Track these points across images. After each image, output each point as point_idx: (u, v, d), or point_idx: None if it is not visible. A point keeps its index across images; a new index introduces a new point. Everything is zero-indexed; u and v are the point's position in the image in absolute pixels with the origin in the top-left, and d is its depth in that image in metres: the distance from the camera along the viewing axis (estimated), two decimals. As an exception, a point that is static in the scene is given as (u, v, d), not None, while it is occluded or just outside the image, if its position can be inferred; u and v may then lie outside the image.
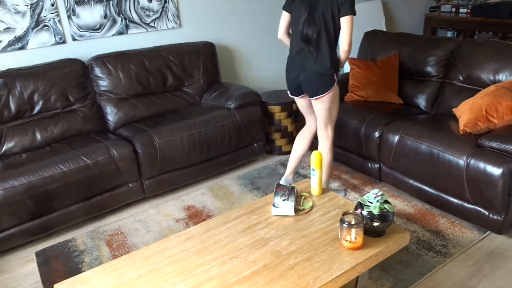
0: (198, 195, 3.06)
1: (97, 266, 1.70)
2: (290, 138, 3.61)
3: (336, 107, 2.61)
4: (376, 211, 1.72)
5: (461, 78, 2.97)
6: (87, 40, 3.21)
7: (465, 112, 2.57)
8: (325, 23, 2.40)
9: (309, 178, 2.16)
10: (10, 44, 2.92)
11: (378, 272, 2.20)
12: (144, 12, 3.39)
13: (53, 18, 3.02)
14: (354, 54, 4.17)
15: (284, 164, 3.45)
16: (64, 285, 1.61)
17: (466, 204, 2.48)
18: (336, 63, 2.49)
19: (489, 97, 2.52)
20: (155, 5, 3.42)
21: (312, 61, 2.46)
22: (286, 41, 2.65)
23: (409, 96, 3.21)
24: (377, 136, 2.85)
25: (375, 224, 1.73)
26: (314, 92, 2.51)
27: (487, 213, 2.38)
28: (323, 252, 1.70)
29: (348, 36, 2.38)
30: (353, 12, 2.36)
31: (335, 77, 2.50)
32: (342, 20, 2.36)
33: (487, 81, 2.81)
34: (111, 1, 3.21)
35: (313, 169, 2.07)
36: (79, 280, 1.63)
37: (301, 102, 2.73)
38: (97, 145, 2.75)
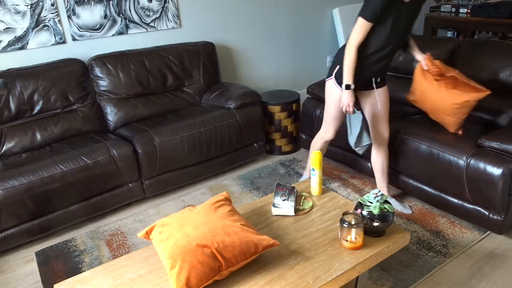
0: (198, 195, 3.06)
1: (97, 266, 1.70)
2: (290, 138, 3.61)
3: (328, 105, 2.57)
4: (376, 211, 1.72)
5: (461, 78, 2.97)
6: (87, 40, 3.21)
7: (443, 117, 2.59)
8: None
9: (309, 178, 2.16)
10: (10, 44, 2.92)
11: (378, 272, 2.20)
12: (144, 12, 3.39)
13: (53, 18, 3.02)
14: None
15: (284, 164, 3.45)
16: (64, 285, 1.61)
17: (466, 204, 2.48)
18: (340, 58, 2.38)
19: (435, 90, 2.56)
20: (155, 5, 3.42)
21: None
22: None
23: (409, 96, 3.21)
24: (377, 136, 2.85)
25: (375, 224, 1.73)
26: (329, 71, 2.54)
27: (487, 213, 2.38)
28: (323, 252, 1.70)
29: (351, 36, 2.27)
30: (362, 14, 2.19)
31: (334, 71, 2.44)
32: None
33: (487, 81, 2.81)
34: (111, 1, 3.21)
35: (313, 169, 2.07)
36: (79, 280, 1.63)
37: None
38: (97, 145, 2.75)
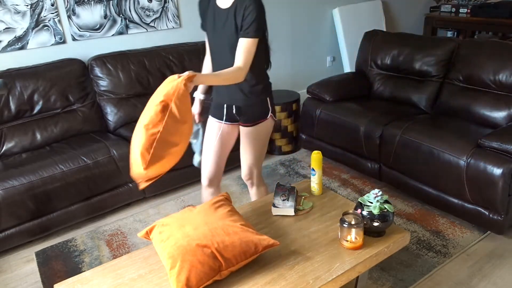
0: (198, 195, 3.06)
1: (97, 266, 1.70)
2: (290, 138, 3.61)
3: (264, 145, 2.22)
4: (376, 211, 1.72)
5: (461, 78, 2.97)
6: (87, 40, 3.21)
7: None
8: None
9: (309, 178, 2.16)
10: (10, 44, 2.92)
11: (378, 272, 2.20)
12: (144, 12, 3.39)
13: (53, 18, 3.02)
14: (355, 55, 4.18)
15: (284, 164, 3.45)
16: (64, 285, 1.61)
17: (466, 204, 2.48)
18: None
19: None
20: (155, 5, 3.42)
21: None
22: None
23: (409, 96, 3.21)
24: (377, 136, 2.85)
25: (375, 224, 1.73)
26: (253, 115, 2.12)
27: (487, 213, 2.38)
28: (323, 252, 1.70)
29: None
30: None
31: (269, 105, 2.10)
32: None
33: (487, 81, 2.81)
34: (111, 1, 3.21)
35: (313, 169, 2.07)
36: (79, 280, 1.63)
37: None
38: (97, 145, 2.75)
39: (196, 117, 2.24)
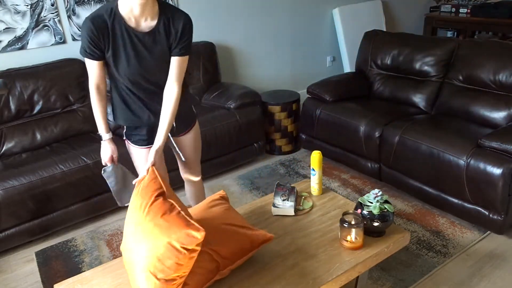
0: (198, 195, 3.06)
1: (97, 266, 1.71)
2: (290, 138, 3.61)
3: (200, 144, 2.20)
4: (376, 211, 1.72)
5: (461, 78, 2.97)
6: (87, 40, 3.21)
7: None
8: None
9: (309, 178, 2.16)
10: (10, 44, 2.92)
11: (378, 272, 2.20)
12: (144, 12, 3.39)
13: (53, 18, 3.02)
14: (355, 55, 4.18)
15: (284, 164, 3.45)
16: (64, 285, 1.61)
17: (466, 204, 2.48)
18: (115, 108, 1.97)
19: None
20: (155, 5, 3.42)
21: None
22: None
23: (409, 96, 3.21)
24: (377, 136, 2.85)
25: (375, 224, 1.73)
26: (185, 124, 2.12)
27: (487, 213, 2.38)
28: (323, 252, 1.70)
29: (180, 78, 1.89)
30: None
31: (194, 111, 2.12)
32: None
33: (487, 81, 2.81)
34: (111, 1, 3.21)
35: (313, 169, 2.07)
36: (79, 280, 1.63)
37: None
38: (97, 145, 2.73)
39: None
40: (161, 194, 1.46)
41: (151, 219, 1.38)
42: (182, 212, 1.39)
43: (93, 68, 1.80)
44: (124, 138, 2.04)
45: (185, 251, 1.35)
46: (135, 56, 1.78)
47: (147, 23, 1.76)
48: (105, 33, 1.73)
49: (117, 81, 1.86)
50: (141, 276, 1.40)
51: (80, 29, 3.14)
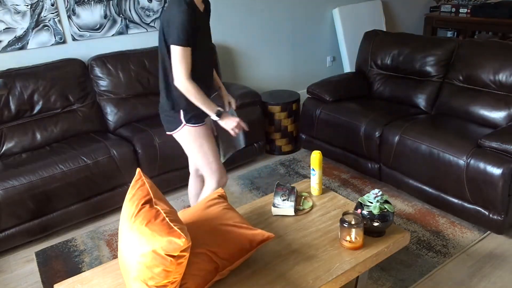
0: (198, 195, 3.06)
1: (97, 266, 1.70)
2: (290, 138, 3.61)
3: (194, 149, 2.13)
4: (376, 211, 1.72)
5: (461, 78, 2.97)
6: (87, 40, 3.21)
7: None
8: (160, 49, 1.99)
9: (309, 178, 2.16)
10: (10, 44, 2.92)
11: (378, 272, 2.20)
12: (144, 12, 3.39)
13: (53, 18, 3.02)
14: (355, 55, 4.18)
15: (284, 164, 3.45)
16: (64, 285, 1.61)
17: (466, 204, 2.48)
18: (178, 100, 2.02)
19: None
20: (155, 5, 3.42)
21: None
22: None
23: (409, 96, 3.21)
24: (377, 136, 2.85)
25: (375, 224, 1.73)
26: (165, 126, 2.16)
27: (487, 213, 2.38)
28: (323, 252, 1.70)
29: (176, 71, 1.91)
30: (177, 41, 1.85)
31: (181, 117, 2.05)
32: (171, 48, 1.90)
33: (487, 81, 2.81)
34: (111, 1, 3.21)
35: (313, 169, 2.07)
36: (79, 280, 1.63)
37: None
38: (97, 145, 2.75)
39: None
40: (148, 202, 1.46)
41: (137, 228, 1.39)
42: (167, 219, 1.39)
43: (190, 56, 1.90)
44: (185, 124, 2.06)
45: (171, 258, 1.35)
46: (207, 36, 2.00)
47: (199, 4, 1.96)
48: (197, 17, 1.89)
49: (194, 65, 1.94)
50: (134, 284, 1.42)
51: (80, 29, 3.14)
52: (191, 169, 2.41)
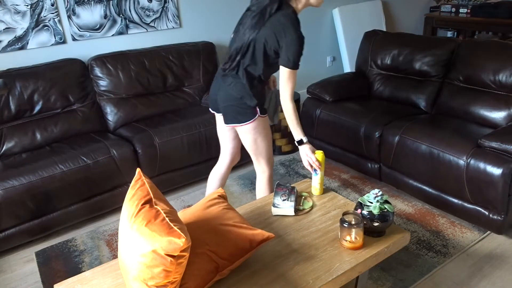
0: (198, 195, 3.06)
1: (97, 266, 1.70)
2: (290, 138, 3.61)
3: (263, 139, 2.22)
4: (376, 211, 1.72)
5: (461, 78, 2.97)
6: (87, 40, 3.21)
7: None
8: (253, 50, 2.05)
9: (309, 178, 2.16)
10: (10, 44, 2.92)
11: (378, 272, 2.20)
12: (144, 12, 3.39)
13: (53, 18, 3.02)
14: (355, 55, 4.17)
15: (284, 164, 3.45)
16: (64, 285, 1.61)
17: (466, 204, 2.48)
18: (257, 95, 2.12)
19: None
20: (155, 5, 3.42)
21: (227, 83, 2.13)
22: None
23: (409, 96, 3.21)
24: (377, 136, 2.85)
25: (375, 224, 1.73)
26: (229, 119, 2.18)
27: (487, 213, 2.38)
28: (323, 252, 1.70)
29: (284, 90, 2.05)
30: (292, 66, 1.98)
31: (257, 109, 2.13)
32: (280, 68, 2.02)
33: (487, 81, 2.81)
34: (111, 1, 3.21)
35: (314, 169, 2.07)
36: (79, 280, 1.63)
37: (219, 122, 2.36)
38: (97, 145, 2.75)
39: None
40: (148, 202, 1.46)
41: (137, 228, 1.39)
42: (167, 219, 1.39)
43: (296, 76, 2.03)
44: (259, 115, 2.15)
45: (171, 258, 1.35)
46: None
47: None
48: None
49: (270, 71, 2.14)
50: (134, 284, 1.42)
51: (80, 29, 3.14)
52: (224, 163, 2.53)
